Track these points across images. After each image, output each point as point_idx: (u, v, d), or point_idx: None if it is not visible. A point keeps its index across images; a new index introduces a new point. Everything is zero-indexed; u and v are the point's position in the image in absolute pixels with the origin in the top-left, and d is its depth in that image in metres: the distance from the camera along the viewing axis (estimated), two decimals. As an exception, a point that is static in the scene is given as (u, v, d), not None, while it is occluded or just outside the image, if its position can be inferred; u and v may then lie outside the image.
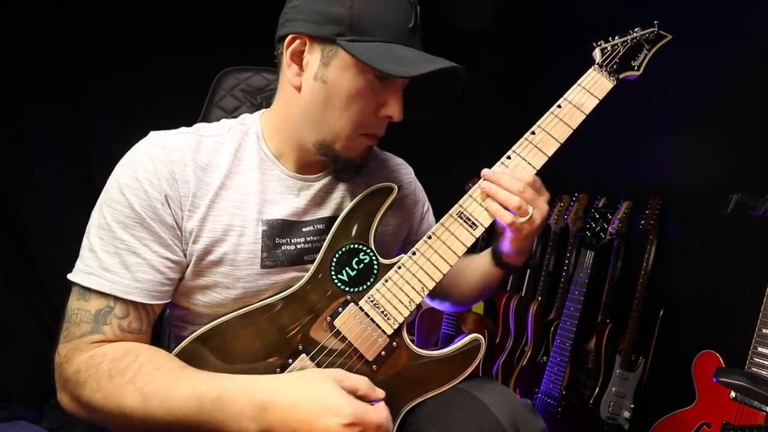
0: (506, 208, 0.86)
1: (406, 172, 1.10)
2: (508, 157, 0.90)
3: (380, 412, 0.71)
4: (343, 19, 0.78)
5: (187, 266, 0.84)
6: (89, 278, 0.78)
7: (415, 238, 1.08)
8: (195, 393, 0.70)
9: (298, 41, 0.82)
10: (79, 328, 0.77)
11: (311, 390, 0.70)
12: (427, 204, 1.14)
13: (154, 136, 0.85)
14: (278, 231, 0.87)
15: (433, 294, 1.12)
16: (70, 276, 0.80)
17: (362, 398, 0.73)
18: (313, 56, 0.82)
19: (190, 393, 0.70)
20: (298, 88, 0.84)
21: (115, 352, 0.75)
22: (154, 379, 0.72)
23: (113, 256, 0.78)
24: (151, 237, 0.79)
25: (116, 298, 0.78)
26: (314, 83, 0.82)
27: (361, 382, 0.74)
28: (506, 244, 0.95)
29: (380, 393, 0.75)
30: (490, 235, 2.27)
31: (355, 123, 0.83)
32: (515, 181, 0.85)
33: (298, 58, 0.83)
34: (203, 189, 0.83)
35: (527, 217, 0.85)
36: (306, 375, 0.75)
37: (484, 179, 0.88)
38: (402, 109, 0.85)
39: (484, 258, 1.04)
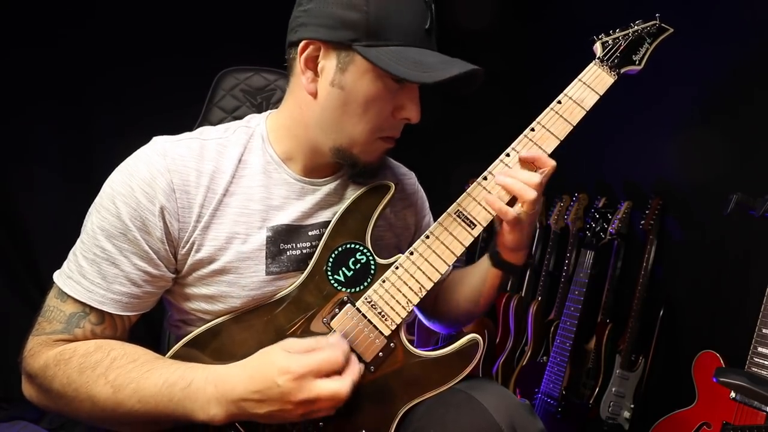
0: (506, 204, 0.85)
1: (410, 182, 1.08)
2: (507, 155, 0.88)
3: (332, 349, 0.73)
4: (359, 24, 0.76)
5: (184, 276, 0.83)
6: (68, 282, 0.78)
7: None
8: (166, 383, 0.72)
9: (312, 47, 0.80)
10: (51, 325, 0.78)
11: (259, 362, 0.73)
12: (428, 218, 1.11)
13: (156, 142, 0.83)
14: (283, 236, 0.86)
15: (430, 314, 1.10)
16: (55, 274, 0.81)
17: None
18: (329, 62, 0.80)
19: (162, 382, 0.73)
20: (314, 94, 0.82)
21: (86, 348, 0.76)
22: (127, 371, 0.74)
23: (92, 264, 0.78)
24: (133, 249, 0.78)
25: (92, 307, 0.78)
26: (331, 89, 0.80)
27: (310, 342, 0.75)
28: (507, 239, 0.90)
29: (332, 339, 0.77)
30: (490, 236, 2.27)
31: (373, 128, 0.82)
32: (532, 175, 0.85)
33: (312, 63, 0.81)
34: (209, 197, 0.81)
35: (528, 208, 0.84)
36: (256, 354, 0.75)
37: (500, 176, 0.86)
38: (419, 111, 0.83)
39: (481, 265, 1.00)
